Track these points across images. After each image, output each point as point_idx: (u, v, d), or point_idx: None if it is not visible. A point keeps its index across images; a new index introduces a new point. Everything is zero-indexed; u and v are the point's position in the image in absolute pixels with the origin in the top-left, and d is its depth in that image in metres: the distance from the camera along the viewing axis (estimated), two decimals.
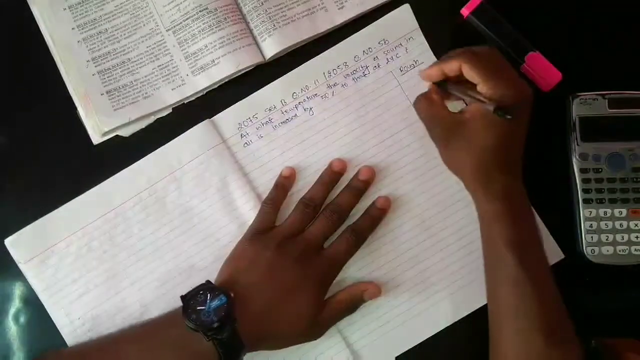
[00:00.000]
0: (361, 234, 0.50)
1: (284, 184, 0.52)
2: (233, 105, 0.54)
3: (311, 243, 0.48)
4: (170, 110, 0.54)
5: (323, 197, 0.51)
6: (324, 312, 0.48)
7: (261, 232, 0.49)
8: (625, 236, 0.50)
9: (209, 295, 0.45)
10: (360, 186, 0.51)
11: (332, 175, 0.51)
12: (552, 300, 0.44)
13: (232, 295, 0.45)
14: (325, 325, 0.48)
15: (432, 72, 0.49)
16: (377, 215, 0.51)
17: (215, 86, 0.54)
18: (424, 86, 0.51)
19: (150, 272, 0.51)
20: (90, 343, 0.49)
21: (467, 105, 0.49)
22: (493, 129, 0.45)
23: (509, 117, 0.42)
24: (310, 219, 0.49)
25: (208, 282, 0.47)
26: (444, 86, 0.49)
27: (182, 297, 0.45)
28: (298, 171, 0.52)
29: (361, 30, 0.54)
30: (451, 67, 0.46)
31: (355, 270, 0.51)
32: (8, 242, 0.51)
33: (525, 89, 0.46)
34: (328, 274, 0.48)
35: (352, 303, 0.49)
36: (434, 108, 0.48)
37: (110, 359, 0.46)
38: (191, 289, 0.46)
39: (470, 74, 0.45)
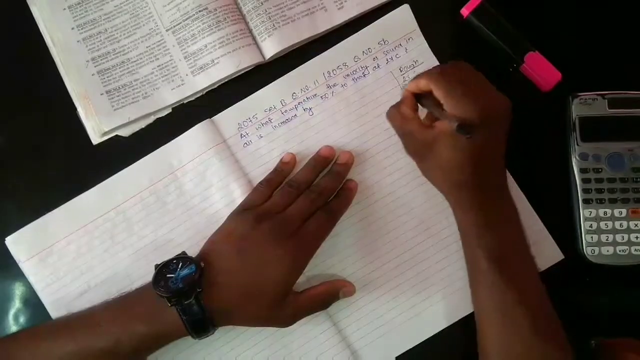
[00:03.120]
0: (331, 211, 0.49)
1: (282, 168, 0.52)
2: (233, 106, 0.54)
3: (287, 221, 0.47)
4: (170, 110, 0.54)
5: (307, 180, 0.50)
6: (298, 300, 0.47)
7: (247, 208, 0.49)
8: (625, 236, 0.50)
9: (180, 264, 0.45)
10: (339, 169, 0.51)
11: (319, 159, 0.52)
12: (535, 302, 0.44)
13: (202, 265, 0.45)
14: (297, 313, 0.48)
15: (410, 86, 0.48)
16: (347, 192, 0.51)
17: (215, 86, 0.54)
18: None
19: (150, 271, 0.50)
20: (65, 316, 0.49)
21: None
22: (459, 146, 0.43)
23: (468, 136, 0.41)
24: (292, 199, 0.49)
25: (183, 252, 0.47)
26: (420, 100, 0.48)
27: (156, 266, 0.46)
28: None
29: (361, 31, 0.54)
30: (423, 83, 0.46)
31: (354, 270, 0.51)
32: (9, 240, 0.52)
33: (495, 102, 0.44)
34: (299, 254, 0.47)
35: (328, 297, 0.49)
36: (405, 122, 0.47)
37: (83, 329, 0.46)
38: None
39: (435, 91, 0.44)
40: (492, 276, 0.43)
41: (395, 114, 0.48)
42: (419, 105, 0.48)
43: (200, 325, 0.44)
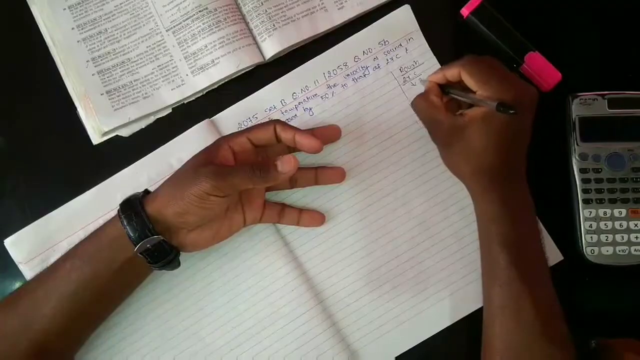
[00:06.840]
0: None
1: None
2: (233, 105, 0.54)
3: None
4: (170, 111, 0.54)
5: None
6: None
7: None
8: (625, 236, 0.50)
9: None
10: None
11: None
12: (546, 300, 0.44)
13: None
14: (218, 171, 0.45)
15: (435, 77, 0.49)
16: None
17: (215, 86, 0.54)
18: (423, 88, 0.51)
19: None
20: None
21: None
22: (492, 132, 0.44)
23: (512, 112, 0.42)
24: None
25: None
26: (447, 89, 0.49)
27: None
28: None
29: (361, 31, 0.54)
30: (452, 73, 0.47)
31: (354, 270, 0.51)
32: (8, 242, 0.51)
33: (526, 90, 0.46)
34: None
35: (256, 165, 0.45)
36: (434, 110, 0.48)
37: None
38: None
39: (468, 79, 0.46)
40: (510, 273, 0.43)
41: (422, 103, 0.49)
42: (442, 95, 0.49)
43: (140, 221, 0.44)
